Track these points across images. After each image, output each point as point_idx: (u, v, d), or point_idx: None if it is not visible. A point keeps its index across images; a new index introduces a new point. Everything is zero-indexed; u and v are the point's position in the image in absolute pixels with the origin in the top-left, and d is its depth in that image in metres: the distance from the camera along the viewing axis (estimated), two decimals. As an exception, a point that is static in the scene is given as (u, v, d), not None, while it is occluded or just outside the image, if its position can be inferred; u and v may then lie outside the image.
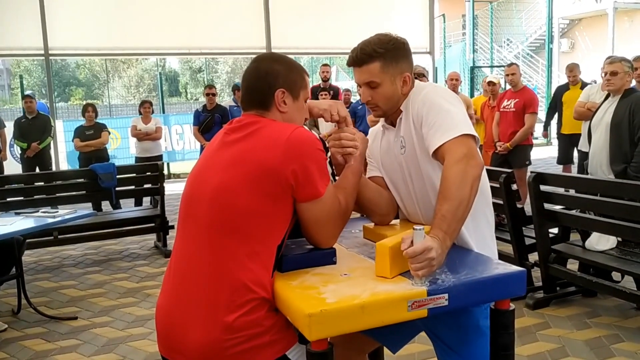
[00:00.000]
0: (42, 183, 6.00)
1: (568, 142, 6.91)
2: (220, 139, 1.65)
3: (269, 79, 1.64)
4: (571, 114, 6.35)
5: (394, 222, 2.00)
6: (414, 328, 1.96)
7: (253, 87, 1.66)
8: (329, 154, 1.74)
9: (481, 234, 1.82)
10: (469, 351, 1.73)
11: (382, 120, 1.99)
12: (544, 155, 11.91)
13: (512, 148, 6.08)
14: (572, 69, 6.97)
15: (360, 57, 1.78)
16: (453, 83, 6.98)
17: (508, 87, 6.52)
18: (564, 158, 7.09)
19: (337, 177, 1.79)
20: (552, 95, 7.70)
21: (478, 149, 1.67)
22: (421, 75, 4.56)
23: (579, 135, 6.29)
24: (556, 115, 7.32)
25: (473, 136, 1.66)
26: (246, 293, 1.45)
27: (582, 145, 5.87)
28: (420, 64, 4.71)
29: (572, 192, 4.52)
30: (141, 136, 7.67)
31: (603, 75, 4.33)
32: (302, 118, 1.74)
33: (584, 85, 6.66)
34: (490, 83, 6.90)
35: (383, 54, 1.77)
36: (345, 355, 1.99)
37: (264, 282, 1.49)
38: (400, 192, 1.93)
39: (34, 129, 7.36)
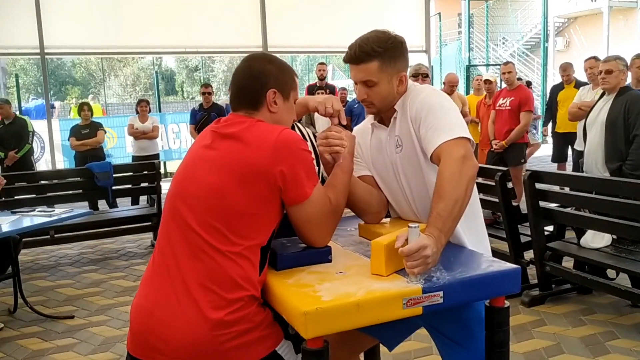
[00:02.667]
0: (38, 182, 5.98)
1: (562, 141, 6.94)
2: (207, 137, 1.64)
3: (262, 78, 1.64)
4: (566, 113, 6.37)
5: (387, 220, 2.01)
6: (412, 325, 1.97)
7: (245, 86, 1.65)
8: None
9: (475, 231, 1.84)
10: (474, 343, 1.73)
11: (370, 117, 1.99)
12: (539, 153, 11.93)
13: (507, 146, 6.10)
14: (566, 69, 6.99)
15: (359, 55, 1.77)
16: (446, 88, 6.97)
17: (504, 85, 6.55)
18: (559, 156, 7.12)
19: (325, 176, 1.79)
20: (546, 95, 7.70)
21: (473, 152, 1.69)
22: (425, 76, 4.52)
23: (574, 133, 6.32)
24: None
25: (469, 139, 1.69)
26: (236, 290, 1.46)
27: (578, 144, 5.89)
28: (418, 63, 4.68)
29: (566, 189, 4.54)
30: (138, 135, 7.65)
31: (597, 73, 4.35)
32: (291, 119, 1.75)
33: (578, 83, 6.68)
34: (487, 81, 6.91)
35: (382, 53, 1.77)
36: (338, 356, 1.99)
37: (253, 279, 1.50)
38: (393, 189, 1.94)
39: (10, 135, 6.85)
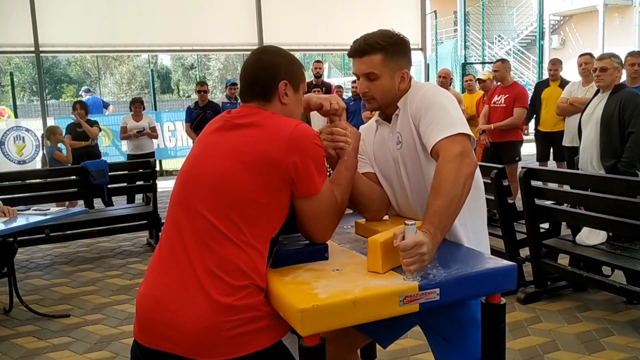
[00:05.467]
0: (33, 180, 5.96)
1: (545, 139, 6.83)
2: (221, 126, 1.64)
3: (272, 70, 1.64)
4: (549, 111, 6.37)
5: (384, 218, 2.01)
6: (406, 323, 1.97)
7: (256, 77, 1.65)
8: None
9: (476, 228, 1.85)
10: (465, 343, 1.74)
11: (376, 115, 2.01)
12: (533, 151, 11.94)
13: (494, 128, 6.08)
14: (555, 63, 6.86)
15: (363, 48, 1.81)
16: (441, 81, 7.01)
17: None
18: (543, 155, 7.03)
19: (330, 171, 1.80)
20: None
21: (473, 149, 1.69)
22: None
23: (556, 133, 6.32)
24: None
25: (469, 136, 1.69)
26: (243, 278, 1.46)
27: (566, 140, 5.89)
28: (414, 60, 4.67)
29: (555, 186, 4.55)
30: (133, 137, 7.57)
31: (592, 71, 4.36)
32: (300, 111, 1.76)
33: (563, 82, 6.63)
34: (480, 80, 6.91)
35: (385, 47, 1.80)
36: (336, 352, 2.00)
37: (260, 270, 1.49)
38: (394, 187, 1.94)
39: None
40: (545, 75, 7.08)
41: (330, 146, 1.76)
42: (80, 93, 13.44)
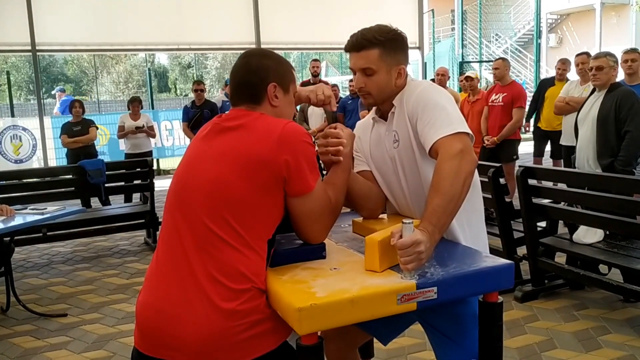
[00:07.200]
0: (30, 180, 5.95)
1: (544, 137, 6.88)
2: (210, 130, 1.64)
3: (261, 73, 1.64)
4: (551, 111, 6.39)
5: (381, 216, 2.01)
6: (406, 321, 1.98)
7: (245, 82, 1.66)
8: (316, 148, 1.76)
9: (475, 227, 1.85)
10: (467, 340, 1.74)
11: (372, 112, 2.00)
12: (531, 149, 11.93)
13: (499, 142, 6.11)
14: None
15: (360, 42, 1.80)
16: (439, 79, 7.01)
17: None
18: (538, 151, 7.08)
19: (325, 172, 1.80)
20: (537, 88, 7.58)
21: (471, 147, 1.69)
22: None
23: (554, 132, 6.34)
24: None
25: (468, 133, 1.68)
26: (245, 281, 1.45)
27: (564, 139, 5.92)
28: (411, 59, 4.70)
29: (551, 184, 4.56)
30: (130, 133, 7.59)
31: (588, 70, 4.38)
32: (292, 112, 1.77)
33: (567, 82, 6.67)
34: (468, 78, 6.92)
35: (383, 42, 1.79)
36: (336, 349, 2.01)
37: (260, 272, 1.49)
38: (391, 185, 1.94)
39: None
40: (542, 74, 7.10)
41: (326, 151, 1.75)
42: (54, 92, 13.23)
